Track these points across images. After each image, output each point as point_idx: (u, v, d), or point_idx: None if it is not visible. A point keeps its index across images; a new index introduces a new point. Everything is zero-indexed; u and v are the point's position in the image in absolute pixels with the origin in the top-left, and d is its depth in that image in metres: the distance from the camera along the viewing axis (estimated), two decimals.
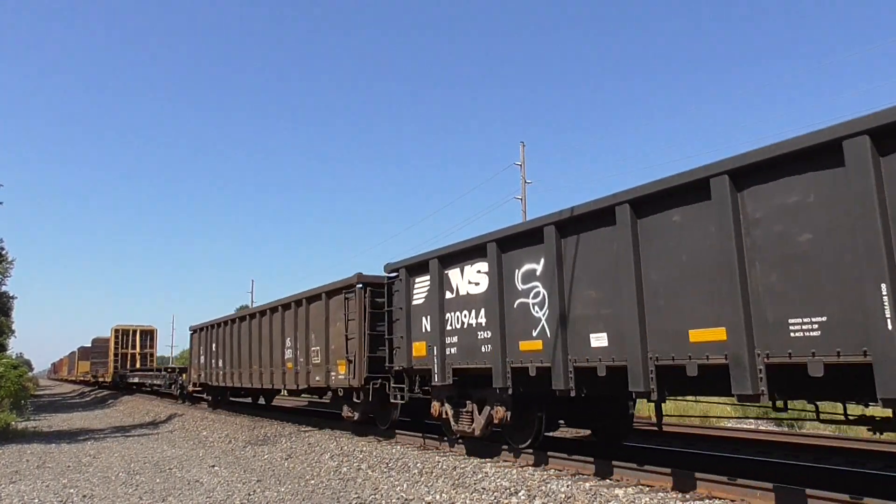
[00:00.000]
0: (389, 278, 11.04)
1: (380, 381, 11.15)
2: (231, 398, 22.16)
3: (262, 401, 22.09)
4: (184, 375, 25.44)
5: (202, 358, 21.81)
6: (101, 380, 45.74)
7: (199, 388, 22.78)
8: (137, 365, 40.01)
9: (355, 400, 12.00)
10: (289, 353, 14.26)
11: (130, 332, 41.49)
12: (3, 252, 30.42)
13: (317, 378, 12.80)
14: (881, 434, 6.00)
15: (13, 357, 36.29)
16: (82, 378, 56.34)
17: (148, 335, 42.21)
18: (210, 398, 22.32)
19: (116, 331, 41.22)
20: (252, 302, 72.25)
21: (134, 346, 41.11)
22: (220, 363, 19.61)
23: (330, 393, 13.56)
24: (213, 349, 20.51)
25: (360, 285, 11.60)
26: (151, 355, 41.77)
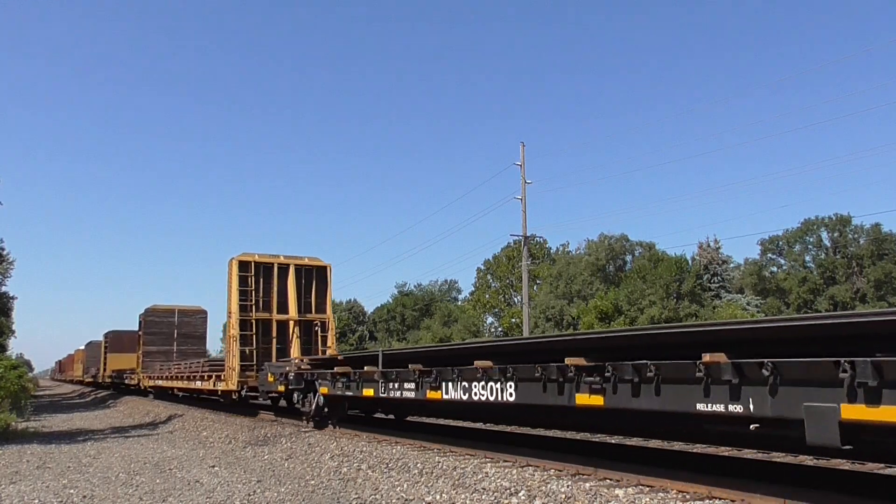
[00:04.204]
0: None
1: None
2: None
3: None
4: None
5: None
6: (190, 386, 21.49)
7: None
8: (294, 351, 17.18)
9: None
10: None
11: (275, 269, 17.61)
12: (4, 252, 30.46)
13: None
14: None
15: (13, 358, 36.22)
16: (115, 379, 35.83)
17: (312, 276, 18.22)
18: None
19: (241, 263, 17.26)
20: None
21: (283, 306, 17.63)
22: None
23: None
24: None
25: None
26: (322, 326, 18.04)
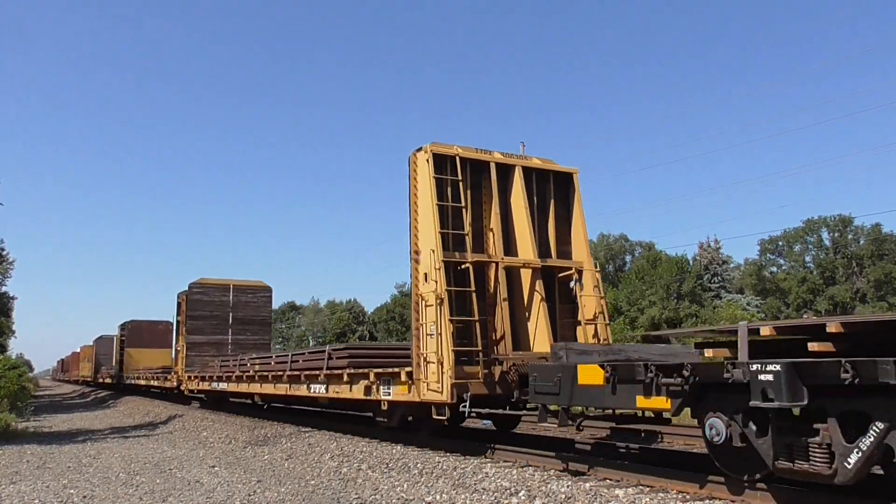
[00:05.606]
0: None
1: None
2: None
3: None
4: None
5: None
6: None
7: None
8: (536, 326, 9.22)
9: None
10: None
11: (492, 171, 9.54)
12: (4, 253, 30.44)
13: None
14: None
15: (13, 358, 36.20)
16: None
17: (548, 191, 10.17)
18: None
19: (438, 158, 9.17)
20: None
21: (509, 242, 9.57)
22: None
23: None
24: None
25: None
26: (580, 280, 9.71)
